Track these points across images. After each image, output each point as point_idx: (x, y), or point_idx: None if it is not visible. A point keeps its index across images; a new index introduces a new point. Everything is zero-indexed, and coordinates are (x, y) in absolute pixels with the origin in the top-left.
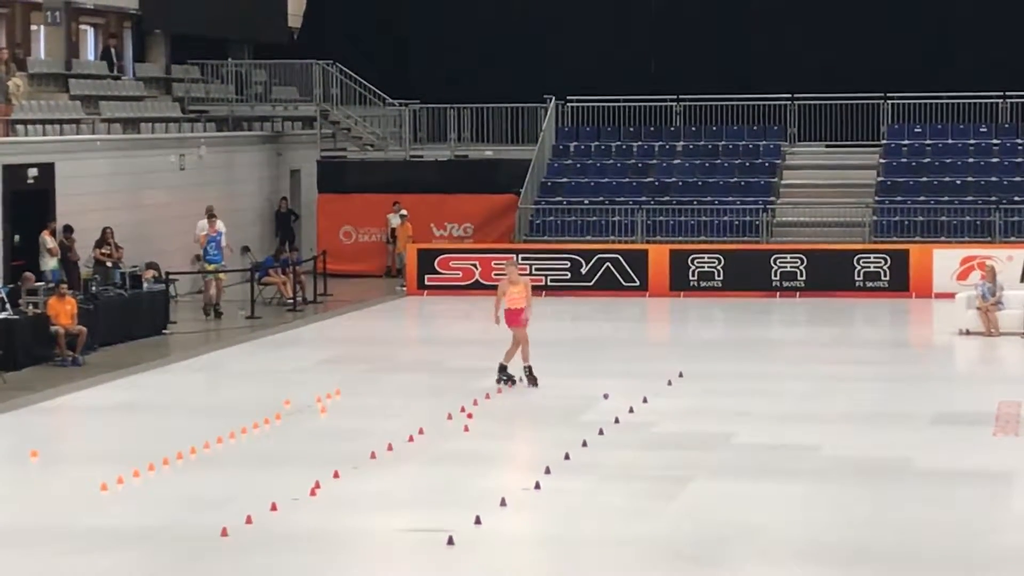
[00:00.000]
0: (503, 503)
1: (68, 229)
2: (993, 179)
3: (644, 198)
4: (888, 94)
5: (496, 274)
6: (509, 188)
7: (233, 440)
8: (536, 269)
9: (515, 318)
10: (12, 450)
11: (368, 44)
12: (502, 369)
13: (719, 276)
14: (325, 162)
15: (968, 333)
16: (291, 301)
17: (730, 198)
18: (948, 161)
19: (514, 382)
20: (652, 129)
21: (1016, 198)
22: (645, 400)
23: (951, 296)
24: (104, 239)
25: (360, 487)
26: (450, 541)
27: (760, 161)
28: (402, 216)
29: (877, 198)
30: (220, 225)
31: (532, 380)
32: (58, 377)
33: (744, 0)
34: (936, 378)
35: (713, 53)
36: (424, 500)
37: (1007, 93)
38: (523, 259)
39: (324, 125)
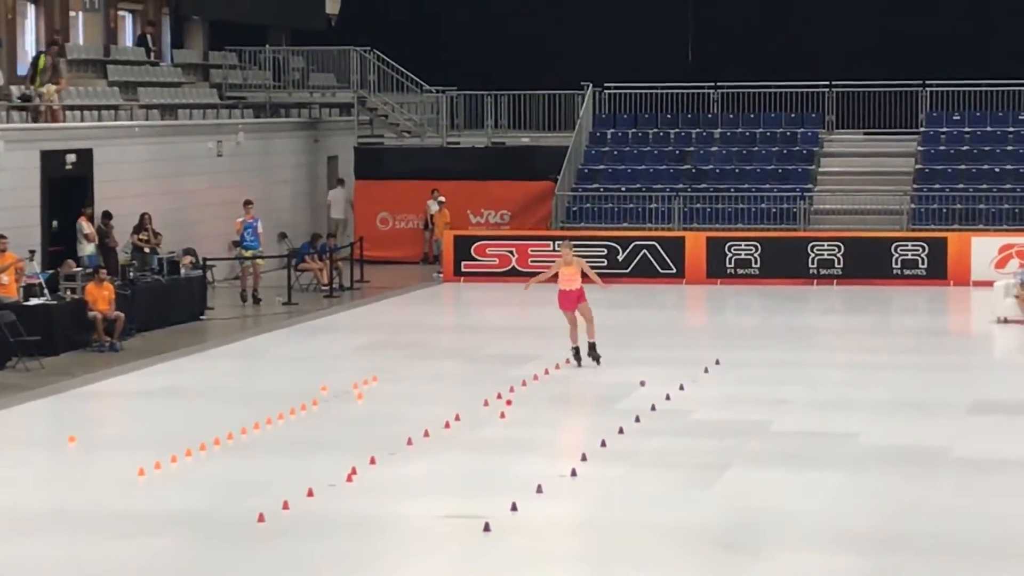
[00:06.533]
0: (539, 490)
1: (107, 215)
2: None
3: (681, 185)
4: (926, 81)
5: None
6: (546, 175)
7: (270, 426)
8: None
9: (566, 300)
10: (50, 435)
11: (405, 30)
12: (575, 351)
13: (756, 264)
14: (362, 148)
15: (1006, 321)
16: (328, 287)
17: (767, 185)
18: (987, 149)
19: (574, 361)
20: (689, 116)
21: None
22: (682, 387)
23: (989, 284)
24: (142, 225)
25: (396, 473)
26: (486, 528)
27: (798, 148)
28: (440, 203)
29: (915, 186)
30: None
31: (594, 357)
32: (96, 362)
33: None
34: (974, 367)
35: (751, 40)
36: (460, 486)
37: None
38: (559, 246)
39: (361, 112)
